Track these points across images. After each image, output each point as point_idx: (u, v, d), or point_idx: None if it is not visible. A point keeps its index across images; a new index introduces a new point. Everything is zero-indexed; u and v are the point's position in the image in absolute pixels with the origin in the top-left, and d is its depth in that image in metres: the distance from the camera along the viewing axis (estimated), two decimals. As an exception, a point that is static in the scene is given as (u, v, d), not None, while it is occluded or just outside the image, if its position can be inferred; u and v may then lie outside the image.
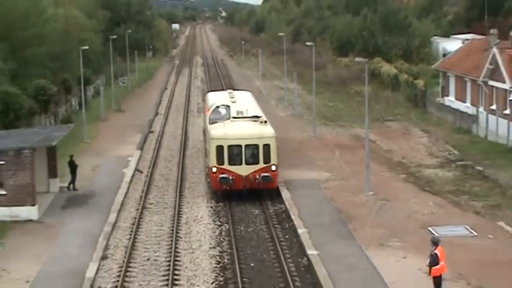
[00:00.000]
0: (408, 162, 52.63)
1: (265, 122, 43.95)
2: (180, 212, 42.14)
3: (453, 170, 50.18)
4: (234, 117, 44.56)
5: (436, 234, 33.78)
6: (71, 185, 46.18)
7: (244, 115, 44.85)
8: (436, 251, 28.17)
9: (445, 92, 73.34)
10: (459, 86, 69.00)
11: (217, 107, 47.49)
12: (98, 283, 31.64)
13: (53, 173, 45.81)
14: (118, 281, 31.63)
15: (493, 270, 30.78)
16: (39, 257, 34.15)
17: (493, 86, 58.90)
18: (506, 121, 55.96)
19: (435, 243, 28.74)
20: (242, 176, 41.46)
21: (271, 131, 43.03)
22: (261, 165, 41.59)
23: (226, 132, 42.72)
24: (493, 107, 58.80)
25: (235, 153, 41.65)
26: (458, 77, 69.20)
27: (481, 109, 61.39)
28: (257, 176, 41.44)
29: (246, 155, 41.71)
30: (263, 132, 42.55)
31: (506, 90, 56.17)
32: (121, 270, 32.85)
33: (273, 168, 41.78)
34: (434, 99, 74.67)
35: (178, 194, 45.97)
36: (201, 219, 40.54)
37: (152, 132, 69.05)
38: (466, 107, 65.79)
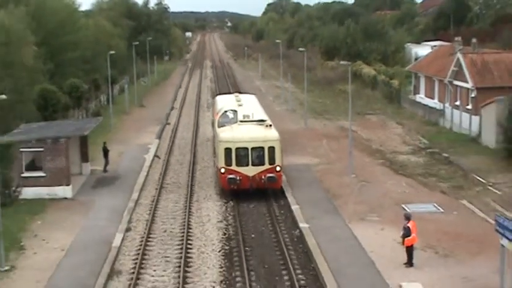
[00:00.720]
0: (385, 149, 52.64)
1: (270, 125, 40.74)
2: (192, 191, 42.21)
3: (423, 156, 50.22)
4: (241, 121, 41.35)
5: (408, 210, 33.84)
6: (105, 168, 46.59)
7: (251, 119, 41.56)
8: (408, 225, 28.30)
9: (416, 90, 73.31)
10: (428, 85, 68.97)
11: (225, 111, 44.21)
12: (122, 251, 31.78)
13: (84, 158, 45.95)
14: (140, 249, 31.75)
15: (456, 241, 30.89)
16: (73, 229, 34.27)
17: (457, 85, 58.87)
18: (468, 115, 55.93)
19: (408, 217, 28.89)
20: (249, 176, 38.42)
21: (276, 134, 39.95)
22: (267, 166, 38.54)
23: (234, 135, 39.62)
24: (457, 103, 58.79)
25: (242, 155, 38.61)
26: (428, 78, 69.17)
27: (446, 105, 61.39)
28: (263, 177, 38.43)
29: (253, 157, 38.66)
30: (268, 135, 39.45)
31: (468, 88, 56.18)
32: (142, 240, 32.97)
33: (278, 169, 38.91)
34: (407, 96, 74.64)
35: (190, 176, 46.04)
36: (210, 197, 40.60)
37: (169, 123, 69.04)
38: (434, 103, 65.76)
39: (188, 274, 28.81)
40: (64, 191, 39.79)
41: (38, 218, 36.14)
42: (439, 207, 36.52)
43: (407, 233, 28.10)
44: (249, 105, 47.16)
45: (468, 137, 54.69)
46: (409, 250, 28.22)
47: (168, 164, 50.52)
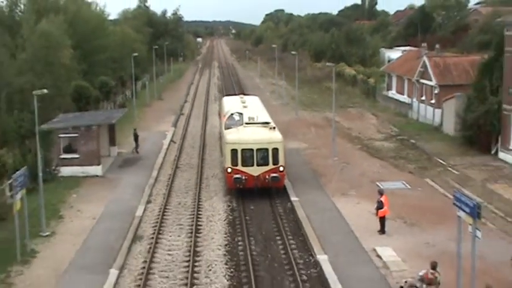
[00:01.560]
0: (362, 136, 52.67)
1: (274, 128, 36.73)
2: (202, 170, 42.25)
3: (394, 142, 50.25)
4: (246, 123, 37.19)
5: (381, 187, 33.94)
6: (136, 150, 46.93)
7: (256, 121, 37.50)
8: (381, 199, 28.38)
9: (389, 87, 73.16)
10: (399, 83, 68.87)
11: (232, 114, 39.87)
12: (144, 220, 31.85)
13: (112, 142, 46.06)
14: (158, 218, 31.85)
15: (421, 213, 31.03)
16: (103, 201, 34.37)
17: (423, 83, 58.79)
18: (432, 108, 56.03)
19: (380, 193, 28.99)
20: (254, 176, 34.53)
21: (279, 136, 35.88)
22: (270, 166, 34.58)
23: (240, 137, 35.53)
24: (423, 98, 58.74)
25: (247, 155, 34.69)
26: (399, 77, 69.04)
27: (414, 99, 61.30)
28: (267, 176, 34.52)
29: (257, 158, 34.69)
30: (272, 137, 35.37)
31: (432, 86, 56.14)
32: (160, 211, 33.07)
33: (281, 169, 34.78)
34: (381, 92, 74.50)
35: (200, 158, 46.07)
36: (217, 175, 40.61)
37: (183, 114, 69.00)
38: (403, 98, 65.67)
39: (198, 239, 28.90)
40: (95, 169, 39.87)
41: (74, 192, 36.25)
42: (407, 185, 36.60)
43: (380, 205, 28.21)
44: (253, 106, 43.26)
45: (432, 127, 54.76)
46: (382, 220, 28.35)
47: (182, 147, 50.55)
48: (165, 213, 32.77)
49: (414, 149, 46.99)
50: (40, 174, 29.28)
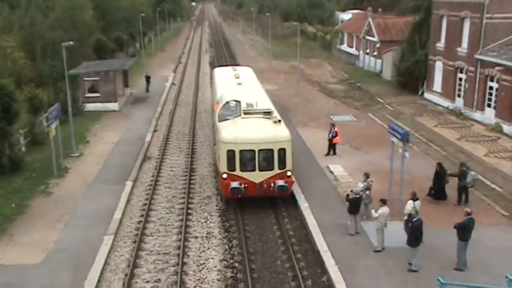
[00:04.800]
0: (320, 80, 52.43)
1: (280, 121, 23.21)
2: (196, 107, 42.03)
3: (344, 85, 50.15)
4: (245, 113, 23.63)
5: (334, 120, 34.08)
6: (147, 89, 46.30)
7: (255, 108, 23.99)
8: (335, 129, 28.54)
9: (341, 42, 72.27)
10: (349, 39, 68.08)
11: (227, 102, 25.10)
12: (152, 144, 31.83)
13: (126, 84, 45.38)
14: (163, 143, 31.86)
15: (364, 139, 31.33)
16: (120, 130, 34.20)
17: (368, 39, 58.26)
18: (374, 59, 55.75)
19: (333, 125, 29.13)
20: (255, 183, 21.73)
21: (287, 133, 22.45)
22: (276, 171, 21.80)
23: (238, 134, 22.03)
24: (368, 51, 58.37)
25: (247, 158, 21.80)
26: (349, 34, 68.18)
27: (361, 52, 60.94)
28: (271, 184, 21.74)
29: (260, 161, 21.79)
30: (278, 135, 22.13)
31: (375, 41, 55.70)
32: (164, 137, 33.03)
33: (288, 174, 21.99)
34: (335, 46, 73.85)
35: (195, 96, 45.74)
36: (208, 110, 40.42)
37: (181, 62, 67.87)
38: (353, 50, 65.11)
39: (194, 159, 29.04)
40: (113, 106, 39.47)
41: (97, 123, 35.98)
42: (354, 118, 36.81)
43: (335, 134, 28.41)
44: (249, 84, 30.26)
45: (374, 73, 54.58)
46: (333, 146, 28.59)
47: (181, 88, 50.03)
48: (168, 139, 32.76)
49: (360, 91, 47.01)
50: (70, 108, 29.09)
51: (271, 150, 21.77)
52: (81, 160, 28.38)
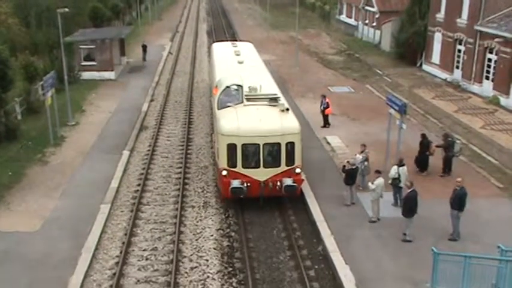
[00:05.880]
0: (319, 51, 52.00)
1: (287, 109, 19.59)
2: (193, 76, 41.75)
3: (343, 56, 49.77)
4: (247, 98, 20.25)
5: (331, 91, 33.92)
6: (144, 58, 45.81)
7: (259, 93, 20.73)
8: (327, 101, 28.42)
9: (340, 13, 71.48)
10: (348, 9, 67.29)
11: (228, 86, 21.41)
12: (149, 114, 31.70)
13: (122, 53, 44.91)
14: (159, 112, 31.74)
15: (361, 110, 31.26)
16: (116, 99, 34.03)
17: (367, 10, 57.61)
18: (373, 29, 55.24)
19: (324, 96, 28.94)
20: (259, 181, 18.71)
21: (296, 124, 19.17)
22: (283, 168, 18.73)
23: (240, 126, 18.67)
24: (366, 21, 57.77)
25: (251, 153, 18.66)
26: (348, 4, 67.33)
27: (359, 22, 60.32)
28: (278, 183, 18.75)
29: (265, 156, 18.67)
30: (286, 126, 18.75)
31: (374, 12, 55.09)
32: (161, 107, 32.90)
33: (297, 171, 18.93)
34: (334, 17, 73.04)
35: (192, 66, 45.38)
36: (204, 80, 40.20)
37: (178, 31, 67.14)
38: (351, 21, 64.43)
39: (191, 129, 28.99)
40: (109, 74, 39.13)
41: (93, 92, 35.75)
42: (351, 89, 36.68)
43: (327, 106, 28.30)
44: (252, 64, 27.25)
45: (372, 44, 54.15)
46: (327, 116, 28.45)
47: (177, 58, 49.62)
48: (165, 109, 32.64)
49: (358, 62, 46.70)
50: (66, 77, 28.88)
51: (278, 144, 18.60)
52: (78, 129, 28.27)
